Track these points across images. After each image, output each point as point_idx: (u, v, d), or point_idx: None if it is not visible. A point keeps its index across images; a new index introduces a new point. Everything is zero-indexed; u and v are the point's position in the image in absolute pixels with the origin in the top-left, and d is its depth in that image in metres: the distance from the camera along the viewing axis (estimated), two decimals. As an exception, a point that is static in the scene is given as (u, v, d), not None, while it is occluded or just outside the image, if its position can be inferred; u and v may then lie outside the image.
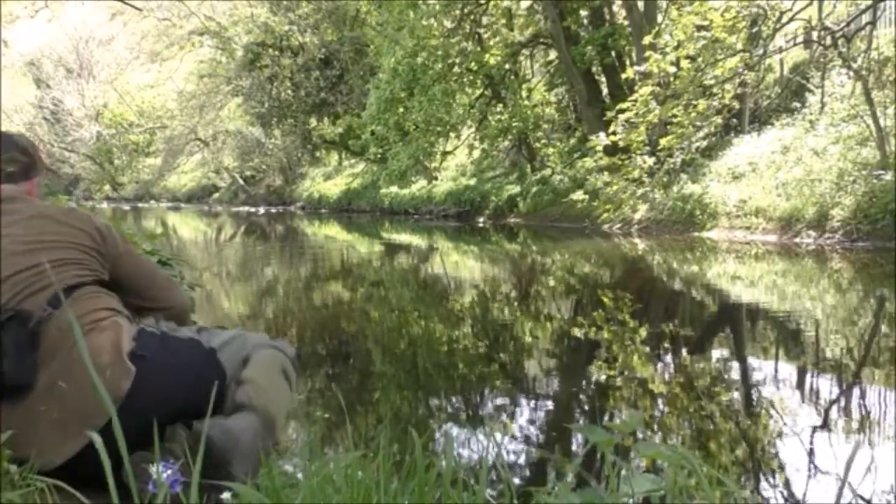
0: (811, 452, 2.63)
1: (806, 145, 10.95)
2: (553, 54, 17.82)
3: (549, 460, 2.61)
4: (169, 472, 1.40)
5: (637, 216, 12.40)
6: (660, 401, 3.32)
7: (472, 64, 17.13)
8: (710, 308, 6.01)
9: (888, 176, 8.94)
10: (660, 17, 13.74)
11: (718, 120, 11.52)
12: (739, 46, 10.47)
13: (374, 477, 1.27)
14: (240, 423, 1.63)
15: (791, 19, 10.41)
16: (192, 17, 26.60)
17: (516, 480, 2.40)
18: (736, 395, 3.43)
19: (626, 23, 14.65)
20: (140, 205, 32.21)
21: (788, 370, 3.92)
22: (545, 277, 8.23)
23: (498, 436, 2.84)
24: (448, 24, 16.22)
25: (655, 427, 2.92)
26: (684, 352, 4.32)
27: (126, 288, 1.93)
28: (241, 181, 31.79)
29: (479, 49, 17.30)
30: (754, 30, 10.74)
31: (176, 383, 1.69)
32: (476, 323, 5.53)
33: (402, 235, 15.38)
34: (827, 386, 3.58)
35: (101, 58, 36.49)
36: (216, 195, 35.32)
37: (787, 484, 2.38)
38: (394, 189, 20.88)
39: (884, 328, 4.86)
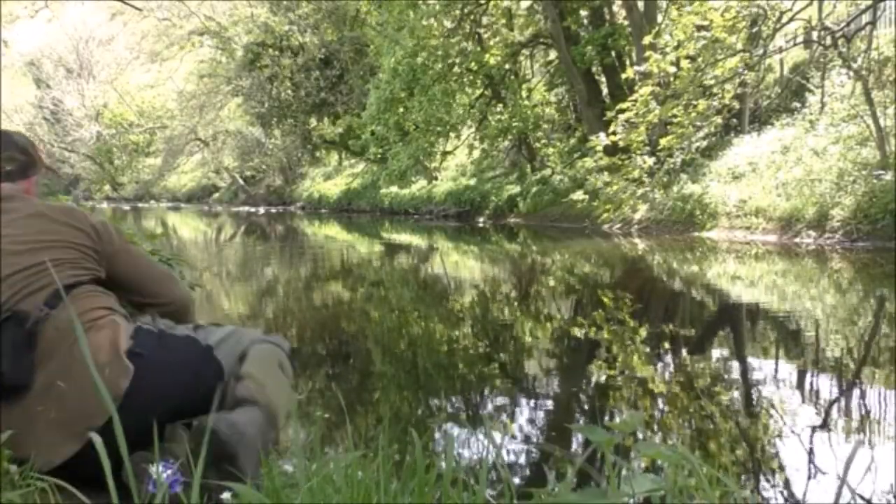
0: (811, 452, 2.63)
1: (806, 145, 10.95)
2: (553, 54, 17.82)
3: (550, 457, 2.61)
4: (169, 472, 1.39)
5: (637, 216, 12.40)
6: (660, 401, 3.32)
7: (472, 64, 17.12)
8: (710, 308, 6.00)
9: (888, 176, 8.94)
10: (660, 17, 13.74)
11: (718, 120, 11.52)
12: (739, 46, 10.47)
13: (374, 477, 1.27)
14: (244, 416, 1.63)
15: (791, 19, 10.40)
16: (192, 17, 26.61)
17: (516, 480, 2.40)
18: (736, 395, 3.43)
19: (626, 23, 14.65)
20: (140, 205, 32.21)
21: (788, 370, 3.91)
22: (545, 277, 8.23)
23: (498, 436, 2.84)
24: (448, 24, 16.22)
25: (655, 427, 2.92)
26: (684, 352, 4.32)
27: (125, 285, 1.93)
28: (241, 181, 31.79)
29: (479, 49, 17.30)
30: (754, 30, 10.74)
31: (173, 381, 1.69)
32: (476, 323, 5.53)
33: (402, 235, 15.38)
34: (827, 386, 3.58)
35: (101, 58, 36.49)
36: (216, 195, 35.32)
37: (787, 484, 2.38)
38: (394, 189, 20.88)
39: (884, 328, 4.85)
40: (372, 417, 3.14)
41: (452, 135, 18.22)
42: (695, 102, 10.66)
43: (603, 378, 3.74)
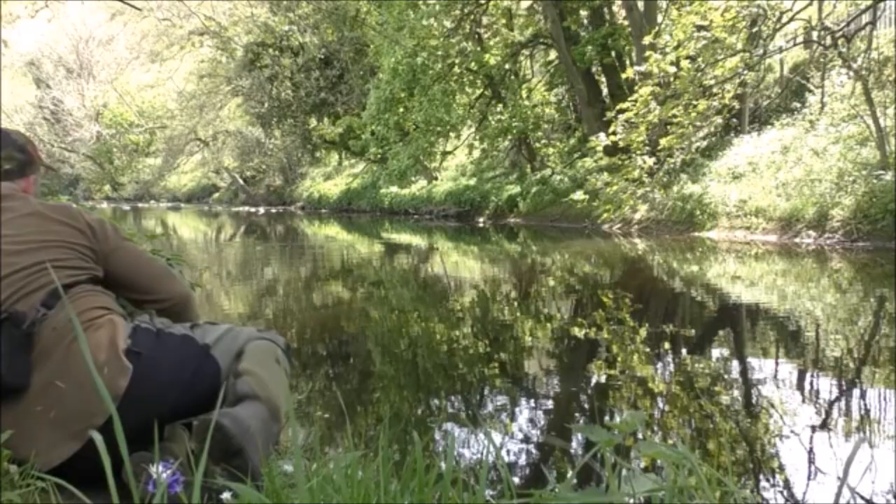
0: (811, 452, 2.63)
1: (806, 145, 10.95)
2: (553, 54, 17.82)
3: (550, 456, 2.61)
4: (168, 471, 1.39)
5: (637, 216, 12.40)
6: (660, 401, 3.32)
7: (472, 64, 17.12)
8: (710, 308, 6.00)
9: (888, 176, 8.94)
10: (660, 17, 13.74)
11: (718, 120, 11.52)
12: (739, 46, 10.47)
13: (374, 477, 1.27)
14: (247, 411, 1.64)
15: (791, 19, 10.41)
16: (192, 17, 26.56)
17: (516, 480, 2.40)
18: (736, 395, 3.43)
19: (626, 23, 14.65)
20: (140, 205, 32.20)
21: (788, 370, 3.91)
22: (545, 277, 8.23)
23: (498, 436, 2.84)
24: (448, 24, 16.21)
25: (655, 427, 2.92)
26: (684, 352, 4.32)
27: (122, 282, 1.92)
28: (241, 181, 31.79)
29: (479, 49, 17.30)
30: (754, 30, 10.74)
31: (172, 380, 1.69)
32: (476, 323, 5.53)
33: (402, 235, 15.38)
34: (827, 386, 3.58)
35: (101, 58, 36.48)
36: (216, 195, 35.33)
37: (787, 484, 2.38)
38: (394, 189, 20.88)
39: (884, 328, 4.85)
40: (372, 417, 3.14)
41: (452, 135, 18.22)
42: (695, 102, 10.66)
43: (603, 378, 3.74)
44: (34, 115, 37.52)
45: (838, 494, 1.20)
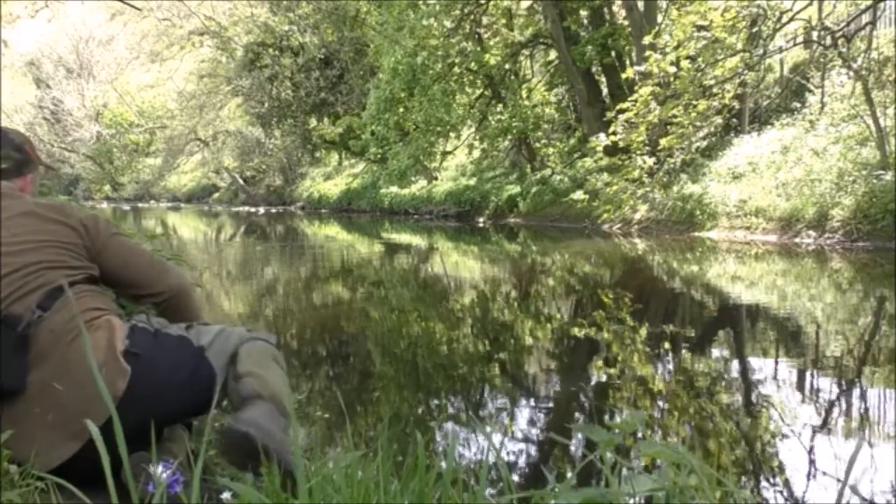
0: (811, 452, 2.63)
1: (806, 145, 10.95)
2: (553, 54, 17.81)
3: (550, 456, 2.61)
4: (168, 472, 1.39)
5: (637, 216, 12.39)
6: (660, 401, 3.31)
7: (472, 64, 17.12)
8: (710, 308, 6.00)
9: (888, 176, 8.94)
10: (660, 17, 13.73)
11: (718, 120, 11.51)
12: (739, 46, 10.46)
13: (374, 477, 1.27)
14: (257, 411, 1.63)
15: (791, 19, 10.40)
16: (192, 17, 26.55)
17: (516, 480, 2.40)
18: (736, 395, 3.43)
19: (626, 23, 14.65)
20: (140, 205, 32.20)
21: (788, 370, 3.91)
22: (545, 277, 8.23)
23: (498, 436, 2.84)
24: (448, 24, 16.21)
25: (655, 427, 2.92)
26: (684, 352, 4.32)
27: (116, 277, 1.91)
28: (241, 181, 31.78)
29: (479, 49, 17.29)
30: (754, 30, 10.73)
31: (169, 381, 1.69)
32: (476, 323, 5.53)
33: (402, 235, 15.38)
34: (827, 386, 3.58)
35: (101, 58, 36.47)
36: (216, 195, 35.33)
37: (787, 484, 2.38)
38: (394, 189, 20.88)
39: (884, 328, 4.85)
40: (372, 417, 3.14)
41: (452, 135, 18.21)
42: (695, 102, 10.66)
43: (603, 378, 3.74)
44: (34, 115, 37.53)
45: (839, 494, 1.20)
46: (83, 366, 1.58)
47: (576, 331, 4.97)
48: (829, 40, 10.24)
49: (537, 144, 17.85)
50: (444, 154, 20.00)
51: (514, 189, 17.00)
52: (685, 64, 10.36)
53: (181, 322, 1.91)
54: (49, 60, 37.65)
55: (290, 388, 1.82)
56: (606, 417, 3.04)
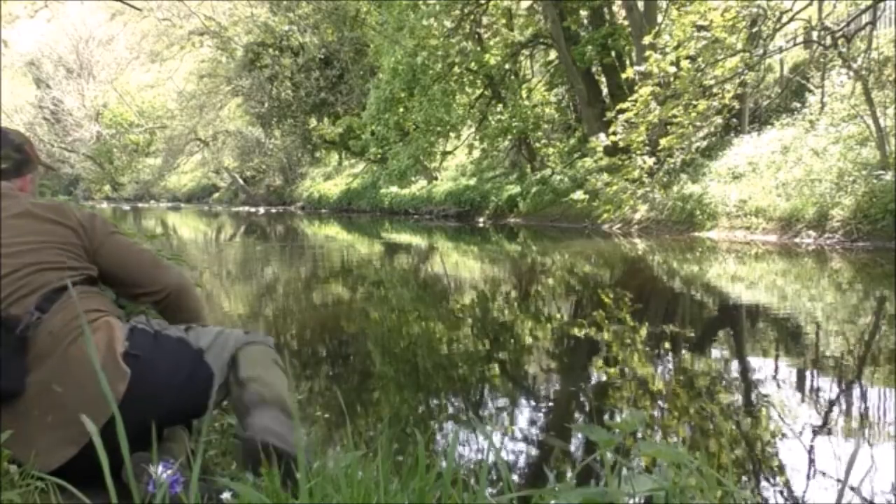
0: (811, 452, 2.63)
1: (806, 145, 10.95)
2: (553, 54, 17.82)
3: (550, 456, 2.61)
4: (168, 472, 1.39)
5: (637, 216, 12.40)
6: (660, 401, 3.31)
7: (472, 64, 17.12)
8: (710, 308, 6.00)
9: (888, 176, 8.94)
10: (660, 17, 13.74)
11: (718, 120, 11.51)
12: (739, 46, 10.47)
13: (374, 477, 1.27)
14: (268, 417, 1.63)
15: (791, 19, 10.40)
16: (192, 17, 26.57)
17: (515, 478, 2.40)
18: (736, 395, 3.43)
19: (626, 23, 14.65)
20: (140, 205, 32.20)
21: (788, 370, 3.91)
22: (545, 277, 8.23)
23: (498, 436, 2.84)
24: (448, 24, 16.21)
25: (655, 427, 2.92)
26: (684, 352, 4.32)
27: (113, 276, 1.90)
28: (241, 181, 31.79)
29: (479, 49, 17.29)
30: (754, 30, 10.74)
31: (168, 383, 1.68)
32: (476, 323, 5.53)
33: (402, 235, 15.38)
34: (827, 386, 3.58)
35: (101, 58, 36.48)
36: (216, 195, 35.33)
37: (787, 484, 2.38)
38: (394, 189, 20.88)
39: (884, 328, 4.85)
40: (372, 417, 3.14)
41: (452, 135, 18.21)
42: (695, 102, 10.66)
43: (603, 378, 3.74)
44: (34, 115, 37.53)
45: (839, 494, 1.20)
46: (83, 368, 1.58)
47: (576, 331, 4.97)
48: (829, 40, 10.24)
49: (537, 144, 17.85)
50: (444, 154, 20.00)
51: (514, 189, 17.00)
52: (685, 64, 10.36)
53: (182, 321, 1.91)
54: (49, 60, 37.66)
55: (290, 388, 1.82)
56: (606, 417, 3.04)
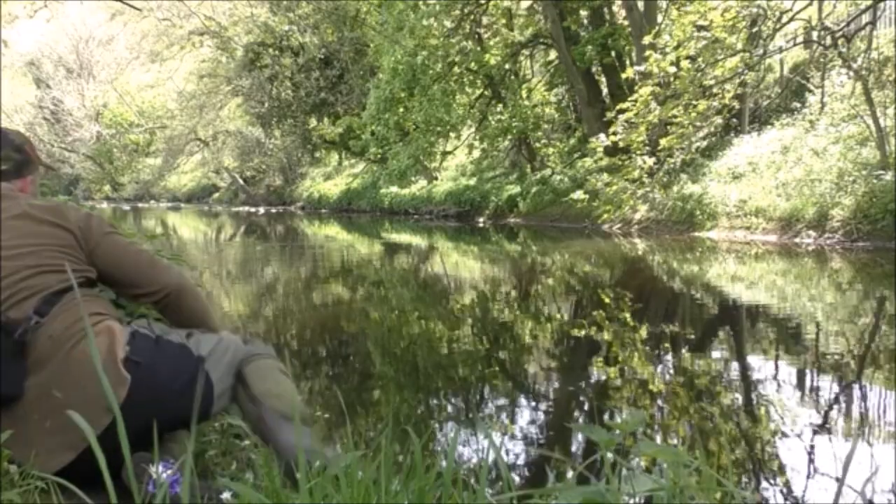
0: (811, 452, 2.63)
1: (806, 145, 10.95)
2: (553, 54, 17.81)
3: (549, 460, 2.61)
4: (169, 472, 1.39)
5: (637, 216, 12.39)
6: (660, 401, 3.32)
7: (472, 64, 17.11)
8: (710, 308, 6.00)
9: (888, 176, 8.94)
10: (660, 17, 13.73)
11: (718, 120, 11.51)
12: (739, 46, 10.46)
13: (374, 477, 1.27)
14: (293, 433, 1.65)
15: (791, 19, 10.40)
16: (192, 17, 26.58)
17: (515, 478, 2.40)
18: (736, 395, 3.43)
19: (626, 23, 14.65)
20: (140, 205, 32.19)
21: (788, 370, 3.91)
22: (545, 277, 8.23)
23: (498, 436, 2.84)
24: (448, 24, 16.20)
25: (655, 427, 2.92)
26: (684, 352, 4.32)
27: (111, 277, 1.88)
28: (241, 181, 31.78)
29: (479, 49, 17.29)
30: (754, 30, 10.73)
31: (168, 388, 1.67)
32: (476, 323, 5.52)
33: (402, 235, 15.38)
34: (827, 386, 3.58)
35: (101, 58, 36.47)
36: (216, 195, 35.32)
37: (787, 484, 2.38)
38: (394, 189, 20.88)
39: (884, 328, 4.85)
40: (372, 417, 3.14)
41: (452, 135, 18.21)
42: (695, 102, 10.66)
43: (603, 378, 3.74)
44: (34, 115, 37.52)
45: (837, 494, 1.20)
46: (83, 372, 1.57)
47: (576, 331, 4.97)
48: (829, 40, 10.24)
49: (537, 144, 17.84)
50: (444, 154, 20.00)
51: (514, 189, 17.00)
52: (685, 64, 10.36)
53: (184, 323, 1.90)
54: (49, 60, 37.65)
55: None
56: (606, 417, 3.04)
